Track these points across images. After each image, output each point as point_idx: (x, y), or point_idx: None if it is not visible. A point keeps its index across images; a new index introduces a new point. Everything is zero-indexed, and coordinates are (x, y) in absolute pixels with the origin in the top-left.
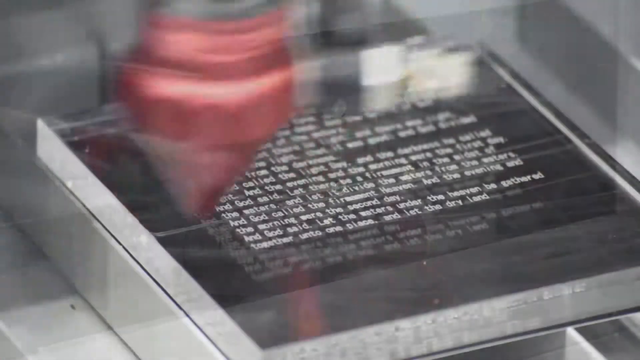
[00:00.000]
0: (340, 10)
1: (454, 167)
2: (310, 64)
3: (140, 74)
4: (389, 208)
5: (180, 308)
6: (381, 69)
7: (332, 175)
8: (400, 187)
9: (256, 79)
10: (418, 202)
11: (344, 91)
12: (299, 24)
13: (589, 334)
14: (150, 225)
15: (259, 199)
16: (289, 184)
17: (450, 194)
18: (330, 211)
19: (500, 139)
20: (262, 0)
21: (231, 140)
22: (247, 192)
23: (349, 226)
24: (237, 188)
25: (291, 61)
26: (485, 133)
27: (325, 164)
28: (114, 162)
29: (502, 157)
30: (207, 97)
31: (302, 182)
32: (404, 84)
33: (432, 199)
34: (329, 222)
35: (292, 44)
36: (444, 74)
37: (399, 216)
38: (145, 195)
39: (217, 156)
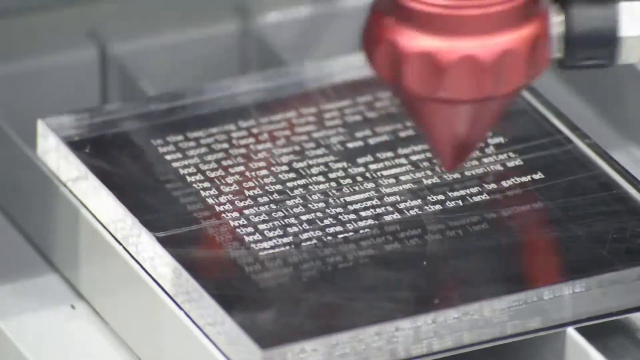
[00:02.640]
0: None
1: None
2: (561, 16)
3: (392, 27)
4: (389, 208)
5: (180, 308)
6: (633, 21)
7: (332, 175)
8: (400, 187)
9: (509, 33)
10: (418, 202)
11: (599, 43)
12: None
13: (589, 334)
14: (150, 225)
15: (259, 199)
16: (289, 184)
17: (450, 194)
18: (330, 211)
19: (500, 139)
20: None
21: (486, 94)
22: (247, 192)
23: (349, 226)
24: (237, 188)
25: (544, 13)
26: None
27: (325, 164)
28: (114, 162)
29: (502, 157)
30: (461, 50)
31: (302, 182)
32: None
33: (432, 199)
34: (329, 222)
35: None
36: None
37: (399, 216)
38: (145, 195)
39: (471, 110)
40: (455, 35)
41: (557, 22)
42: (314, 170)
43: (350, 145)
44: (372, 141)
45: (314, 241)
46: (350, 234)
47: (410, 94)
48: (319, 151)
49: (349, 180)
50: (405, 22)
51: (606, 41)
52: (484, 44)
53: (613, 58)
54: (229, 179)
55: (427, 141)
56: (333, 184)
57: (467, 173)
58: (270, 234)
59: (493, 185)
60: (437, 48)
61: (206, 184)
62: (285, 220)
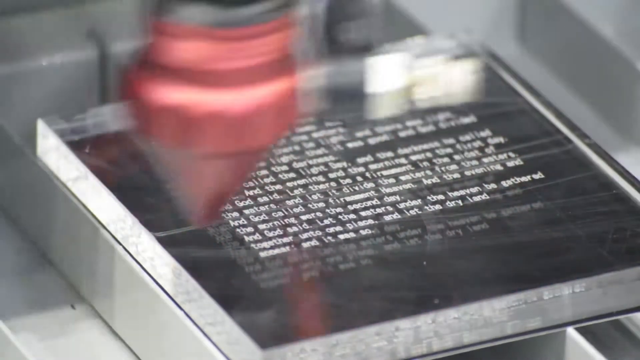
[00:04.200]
0: (344, 17)
1: (454, 167)
2: (314, 71)
3: (145, 80)
4: (389, 208)
5: (180, 308)
6: (386, 76)
7: (332, 175)
8: (400, 187)
9: (261, 86)
10: (418, 202)
11: (348, 98)
12: (303, 32)
13: (589, 334)
14: (150, 225)
15: (259, 199)
16: (289, 184)
17: (450, 194)
18: (330, 211)
19: (500, 139)
20: (267, 7)
21: (235, 147)
22: (247, 192)
23: (349, 226)
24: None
25: (296, 68)
26: (485, 133)
27: (325, 164)
28: (114, 162)
29: (502, 157)
30: (212, 104)
31: (302, 182)
32: (408, 91)
33: (432, 199)
34: (329, 222)
35: (296, 51)
36: (449, 81)
37: (399, 216)
38: (145, 195)
39: (220, 164)
40: (206, 88)
41: (310, 76)
42: (314, 170)
43: (350, 145)
44: (372, 141)
45: (314, 241)
46: (350, 234)
47: (162, 146)
48: (319, 151)
49: (349, 180)
50: (157, 76)
51: (356, 96)
52: (232, 98)
53: (365, 112)
54: None
55: (178, 195)
56: (333, 184)
57: (467, 173)
58: (270, 234)
59: (493, 185)
60: (188, 102)
61: None
62: (285, 220)
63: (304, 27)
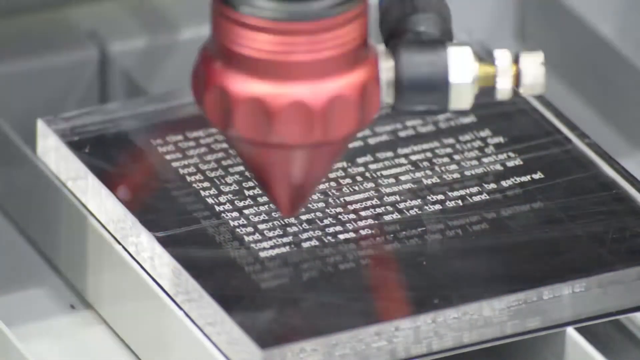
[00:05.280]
0: (415, 10)
1: (454, 167)
2: (391, 62)
3: (222, 72)
4: (389, 208)
5: (180, 308)
6: (462, 67)
7: (332, 175)
8: (400, 187)
9: (338, 78)
10: (418, 202)
11: (429, 89)
12: (376, 24)
13: (589, 334)
14: (150, 225)
15: (259, 199)
16: None
17: (450, 194)
18: (330, 211)
19: (500, 139)
20: (340, 0)
21: (314, 139)
22: (247, 192)
23: (349, 226)
24: (237, 188)
25: (372, 60)
26: (485, 133)
27: None
28: (114, 162)
29: (502, 157)
30: (290, 96)
31: None
32: (484, 82)
33: (432, 199)
34: (329, 222)
35: (371, 43)
36: (522, 72)
37: (399, 216)
38: (145, 195)
39: (303, 155)
40: (284, 80)
41: (386, 67)
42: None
43: (350, 145)
44: (372, 141)
45: (314, 241)
46: (350, 234)
47: (242, 140)
48: None
49: (348, 180)
50: (234, 67)
51: (436, 87)
52: (313, 89)
53: (444, 104)
54: (229, 179)
55: (263, 187)
56: (333, 183)
57: (467, 173)
58: (270, 234)
59: (493, 185)
60: (266, 93)
61: (206, 184)
62: (285, 220)
63: (376, 19)
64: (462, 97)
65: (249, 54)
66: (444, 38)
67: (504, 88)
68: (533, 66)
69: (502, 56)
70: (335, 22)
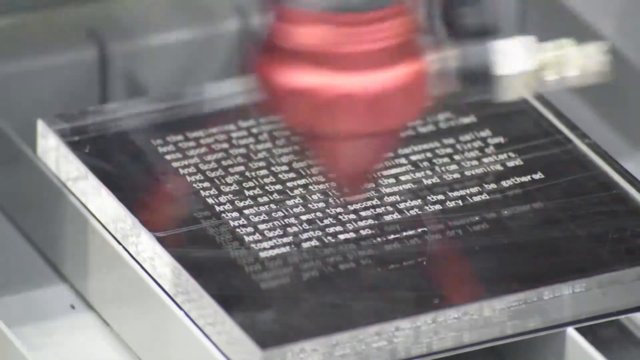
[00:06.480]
0: (461, 3)
1: (454, 167)
2: (441, 54)
3: (274, 64)
4: (389, 208)
5: (180, 308)
6: (513, 58)
7: (332, 175)
8: (400, 187)
9: (388, 69)
10: (418, 202)
11: (476, 81)
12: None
13: (589, 334)
14: (150, 225)
15: (259, 199)
16: (289, 184)
17: (450, 194)
18: (330, 211)
19: (500, 139)
20: None
21: (365, 129)
22: (247, 192)
23: (349, 226)
24: (237, 188)
25: (421, 52)
26: (485, 133)
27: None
28: (114, 162)
29: (502, 157)
30: (341, 87)
31: (302, 182)
32: (537, 73)
33: (432, 199)
34: (329, 222)
35: (420, 35)
36: (578, 63)
37: (399, 216)
38: (145, 195)
39: (354, 146)
40: (335, 72)
41: (436, 59)
42: (314, 170)
43: None
44: None
45: (314, 241)
46: (350, 234)
47: (294, 128)
48: None
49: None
50: (285, 60)
51: (485, 78)
52: (362, 81)
53: (495, 94)
54: (229, 179)
55: (328, 174)
56: (333, 183)
57: (467, 173)
58: (270, 234)
59: (493, 185)
60: (317, 84)
61: (206, 184)
62: (285, 220)
63: (424, 12)
64: (508, 89)
65: (297, 46)
66: (485, 31)
67: (555, 79)
68: (597, 55)
69: (551, 48)
70: (379, 15)
